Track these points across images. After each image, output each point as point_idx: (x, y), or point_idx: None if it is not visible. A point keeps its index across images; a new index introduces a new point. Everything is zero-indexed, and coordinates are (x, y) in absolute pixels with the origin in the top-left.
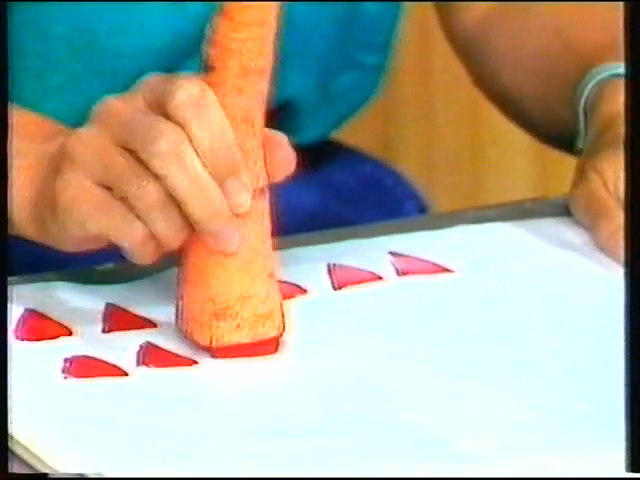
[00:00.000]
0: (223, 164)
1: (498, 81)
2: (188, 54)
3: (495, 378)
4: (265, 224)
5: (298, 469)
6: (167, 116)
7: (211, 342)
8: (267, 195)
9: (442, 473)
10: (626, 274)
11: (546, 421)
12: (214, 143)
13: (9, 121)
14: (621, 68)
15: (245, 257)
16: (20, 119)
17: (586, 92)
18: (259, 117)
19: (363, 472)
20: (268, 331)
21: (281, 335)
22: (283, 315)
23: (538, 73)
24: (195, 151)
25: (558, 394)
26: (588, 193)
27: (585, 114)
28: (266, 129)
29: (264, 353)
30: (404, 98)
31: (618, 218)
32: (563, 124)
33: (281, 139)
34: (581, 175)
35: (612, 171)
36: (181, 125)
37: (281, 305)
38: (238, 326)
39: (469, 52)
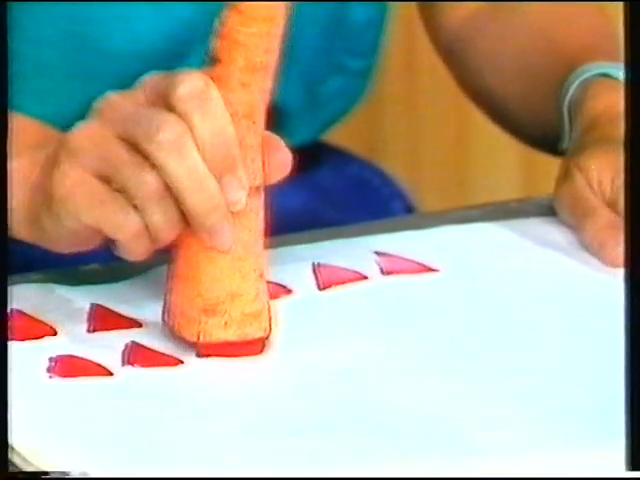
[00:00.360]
0: (221, 159)
1: (482, 82)
2: (176, 57)
3: (484, 377)
4: (259, 223)
5: (286, 468)
6: (169, 108)
7: (198, 338)
8: (262, 194)
9: (436, 473)
10: (626, 274)
11: (545, 420)
12: (214, 137)
13: (9, 123)
14: (606, 67)
15: (237, 255)
16: (13, 123)
17: (571, 91)
18: (261, 114)
19: (352, 471)
20: (255, 331)
21: (267, 337)
22: (270, 317)
23: (522, 73)
24: (195, 144)
25: (555, 393)
26: (573, 192)
27: (570, 113)
28: (264, 131)
29: (249, 353)
30: (390, 99)
31: (603, 217)
32: (547, 125)
33: (278, 141)
34: (566, 174)
35: (597, 170)
36: (183, 117)
37: (269, 307)
38: (226, 323)
39: (453, 53)
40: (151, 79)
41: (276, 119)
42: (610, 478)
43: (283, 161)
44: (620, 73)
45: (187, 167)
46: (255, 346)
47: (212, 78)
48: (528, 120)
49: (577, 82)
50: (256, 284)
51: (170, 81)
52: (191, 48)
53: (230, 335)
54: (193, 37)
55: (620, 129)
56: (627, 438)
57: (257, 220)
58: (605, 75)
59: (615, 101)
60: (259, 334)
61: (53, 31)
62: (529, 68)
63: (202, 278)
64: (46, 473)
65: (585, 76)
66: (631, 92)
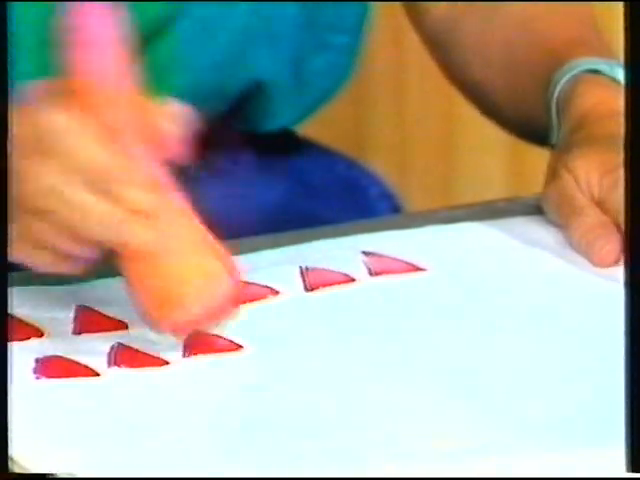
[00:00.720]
0: (104, 180)
1: (468, 75)
2: (152, 38)
3: (479, 377)
4: (176, 207)
5: (273, 468)
6: (42, 152)
7: (174, 330)
8: (172, 183)
9: (436, 473)
10: (626, 274)
11: (545, 420)
12: (90, 164)
13: (9, 121)
14: (595, 63)
15: (173, 247)
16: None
17: (559, 87)
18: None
19: (336, 472)
20: (219, 292)
21: (236, 289)
22: (231, 269)
23: (507, 66)
24: (74, 180)
25: (554, 394)
26: (561, 192)
27: (558, 110)
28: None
29: (227, 314)
30: (377, 97)
31: (591, 217)
32: (536, 118)
33: (172, 109)
34: (553, 174)
35: (584, 170)
36: (55, 158)
37: (225, 260)
38: (190, 305)
39: (438, 46)
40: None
41: (261, 98)
42: (610, 478)
43: (176, 132)
44: (609, 68)
45: (69, 206)
46: (228, 306)
47: (78, 94)
48: (515, 113)
49: (565, 78)
50: (200, 256)
51: (36, 120)
52: (167, 28)
53: (198, 312)
54: (169, 17)
55: (608, 127)
56: (627, 439)
57: (177, 213)
58: (594, 71)
59: (604, 98)
60: (225, 290)
61: (32, 17)
62: (514, 62)
63: (151, 277)
64: (44, 475)
65: (573, 72)
66: (631, 92)
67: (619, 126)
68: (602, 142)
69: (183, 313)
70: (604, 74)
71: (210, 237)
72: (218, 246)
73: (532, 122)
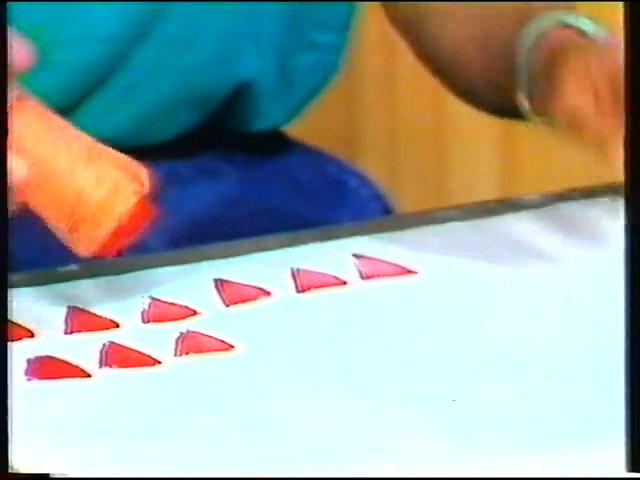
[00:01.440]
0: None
1: (438, 46)
2: (137, 41)
3: (478, 378)
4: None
5: (266, 468)
6: None
7: (96, 249)
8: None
9: (439, 472)
10: (626, 272)
11: (545, 420)
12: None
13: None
14: (561, 15)
15: (59, 167)
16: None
17: (528, 42)
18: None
19: (333, 472)
20: (125, 201)
21: (144, 192)
22: (135, 176)
23: (477, 35)
24: None
25: (554, 394)
26: (565, 102)
27: (528, 65)
28: None
29: (141, 223)
30: (368, 98)
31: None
32: (508, 89)
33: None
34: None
35: (577, 77)
36: None
37: (128, 168)
38: (98, 219)
39: (409, 27)
40: None
41: (247, 98)
42: (610, 478)
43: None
44: (575, 20)
45: None
46: (144, 206)
47: None
48: (487, 83)
49: (534, 32)
50: (88, 173)
51: None
52: (150, 30)
53: (110, 226)
54: (152, 19)
55: (579, 54)
56: (627, 439)
57: (53, 131)
58: (563, 23)
59: (572, 41)
60: (133, 197)
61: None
62: (485, 30)
63: (55, 208)
64: (36, 476)
65: (540, 27)
66: (631, 92)
67: (591, 55)
68: (578, 53)
69: (94, 229)
70: (571, 26)
71: (102, 147)
72: (116, 154)
73: (505, 93)
